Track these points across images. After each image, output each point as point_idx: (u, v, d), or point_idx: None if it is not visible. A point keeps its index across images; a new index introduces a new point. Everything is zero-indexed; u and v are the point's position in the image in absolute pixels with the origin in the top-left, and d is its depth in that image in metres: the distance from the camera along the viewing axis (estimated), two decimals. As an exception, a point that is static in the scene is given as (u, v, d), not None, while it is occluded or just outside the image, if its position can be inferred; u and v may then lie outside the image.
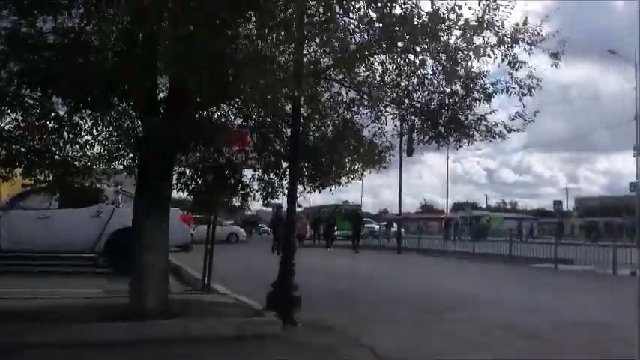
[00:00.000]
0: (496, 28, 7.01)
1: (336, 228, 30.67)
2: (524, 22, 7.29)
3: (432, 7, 6.04)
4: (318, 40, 6.13)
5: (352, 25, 6.12)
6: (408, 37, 6.26)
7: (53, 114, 6.36)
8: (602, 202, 76.83)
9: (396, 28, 5.91)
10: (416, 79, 7.89)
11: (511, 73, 7.73)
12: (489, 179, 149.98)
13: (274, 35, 5.42)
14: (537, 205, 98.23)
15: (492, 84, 8.06)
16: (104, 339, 5.75)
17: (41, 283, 9.88)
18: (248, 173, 8.41)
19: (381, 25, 5.86)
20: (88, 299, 7.67)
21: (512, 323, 7.51)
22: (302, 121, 7.73)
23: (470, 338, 6.75)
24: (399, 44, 6.21)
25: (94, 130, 6.81)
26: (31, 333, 5.67)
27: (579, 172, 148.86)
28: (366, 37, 6.29)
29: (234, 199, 8.07)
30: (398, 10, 5.89)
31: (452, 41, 7.01)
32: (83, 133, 7.07)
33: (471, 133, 8.34)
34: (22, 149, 6.67)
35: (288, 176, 7.60)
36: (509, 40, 7.27)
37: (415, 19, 5.93)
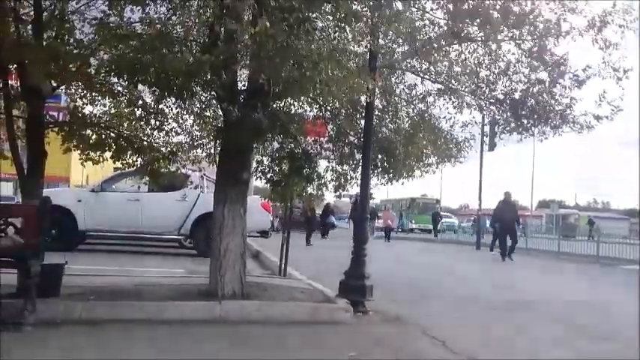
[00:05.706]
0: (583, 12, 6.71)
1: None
2: (614, 5, 6.93)
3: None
4: (392, 31, 6.11)
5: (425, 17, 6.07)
6: (488, 27, 6.14)
7: (140, 102, 6.73)
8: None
9: (467, 21, 5.81)
10: (497, 68, 7.70)
11: (603, 57, 7.24)
12: (577, 175, 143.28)
13: (349, 27, 5.48)
14: (630, 205, 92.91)
15: (583, 70, 7.55)
16: (181, 317, 6.06)
17: (127, 262, 10.42)
18: (323, 164, 8.50)
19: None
20: (170, 279, 8.09)
21: (590, 324, 7.26)
22: (376, 113, 7.75)
23: (545, 337, 6.59)
24: (473, 34, 6.07)
25: (179, 119, 7.16)
26: (119, 309, 6.02)
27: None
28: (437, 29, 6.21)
29: (309, 189, 8.18)
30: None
31: (539, 27, 6.77)
32: (169, 121, 7.46)
33: (557, 123, 7.93)
34: (112, 134, 7.10)
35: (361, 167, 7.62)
36: (598, 23, 6.94)
37: (490, 10, 5.79)
